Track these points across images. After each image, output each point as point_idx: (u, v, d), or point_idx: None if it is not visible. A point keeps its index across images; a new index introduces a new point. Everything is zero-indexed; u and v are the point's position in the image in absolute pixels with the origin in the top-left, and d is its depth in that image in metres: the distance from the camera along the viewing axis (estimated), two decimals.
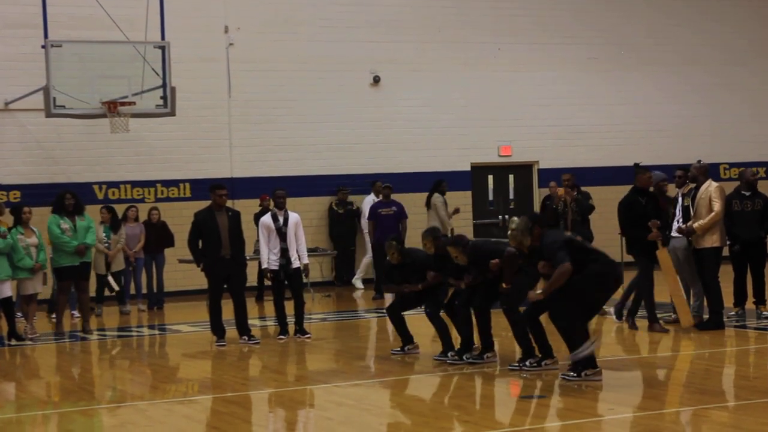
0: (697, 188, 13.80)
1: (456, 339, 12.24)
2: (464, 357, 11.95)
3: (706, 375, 11.42)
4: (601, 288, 10.59)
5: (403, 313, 12.75)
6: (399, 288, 12.65)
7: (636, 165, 14.07)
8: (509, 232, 11.08)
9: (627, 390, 10.27)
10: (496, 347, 12.15)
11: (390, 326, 15.72)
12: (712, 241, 13.62)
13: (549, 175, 22.08)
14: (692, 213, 13.75)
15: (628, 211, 13.78)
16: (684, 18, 24.64)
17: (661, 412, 9.47)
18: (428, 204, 20.08)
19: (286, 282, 14.48)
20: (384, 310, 17.70)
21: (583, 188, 17.50)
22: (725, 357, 12.49)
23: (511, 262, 11.22)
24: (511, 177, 23.33)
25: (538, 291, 10.47)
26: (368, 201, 20.65)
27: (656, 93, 24.39)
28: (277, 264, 14.34)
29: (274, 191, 14.78)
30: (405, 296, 12.70)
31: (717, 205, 13.55)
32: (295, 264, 14.44)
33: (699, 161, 14.12)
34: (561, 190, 16.31)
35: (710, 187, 13.68)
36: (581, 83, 23.79)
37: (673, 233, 14.31)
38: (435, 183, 20.42)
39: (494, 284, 11.62)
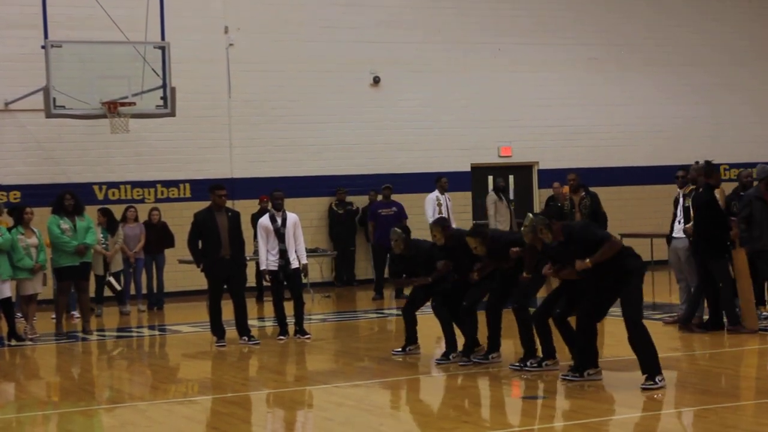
0: (697, 189, 13.79)
1: (460, 338, 12.20)
2: (469, 358, 11.91)
3: (707, 375, 11.41)
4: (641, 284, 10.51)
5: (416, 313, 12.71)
6: (408, 281, 12.58)
7: (707, 162, 13.86)
8: (522, 228, 11.07)
9: (628, 390, 10.26)
10: (500, 348, 12.11)
11: (391, 327, 15.72)
12: None
13: (549, 176, 22.07)
14: (692, 213, 13.73)
15: (707, 210, 13.46)
16: (684, 18, 24.64)
17: (662, 413, 9.46)
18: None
19: (285, 283, 14.48)
20: (383, 311, 17.73)
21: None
22: (726, 357, 12.48)
23: (532, 252, 11.19)
24: (511, 178, 23.32)
25: (587, 260, 10.26)
26: (431, 198, 20.27)
27: (657, 93, 24.38)
28: (276, 265, 14.33)
29: (272, 192, 14.77)
30: (415, 294, 12.63)
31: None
32: (294, 264, 14.43)
33: (697, 162, 14.10)
34: (566, 188, 16.16)
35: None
36: (581, 84, 23.78)
37: (675, 233, 14.31)
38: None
39: (507, 282, 11.58)
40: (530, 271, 11.28)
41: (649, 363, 10.22)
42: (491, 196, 20.39)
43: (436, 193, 20.12)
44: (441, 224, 12.05)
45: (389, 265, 13.58)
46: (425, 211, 19.91)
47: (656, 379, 10.14)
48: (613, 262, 10.17)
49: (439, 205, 19.92)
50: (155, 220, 18.83)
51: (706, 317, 13.97)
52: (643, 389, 10.07)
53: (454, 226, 19.26)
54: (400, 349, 12.79)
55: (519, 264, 11.46)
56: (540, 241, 11.01)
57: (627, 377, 10.81)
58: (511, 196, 23.34)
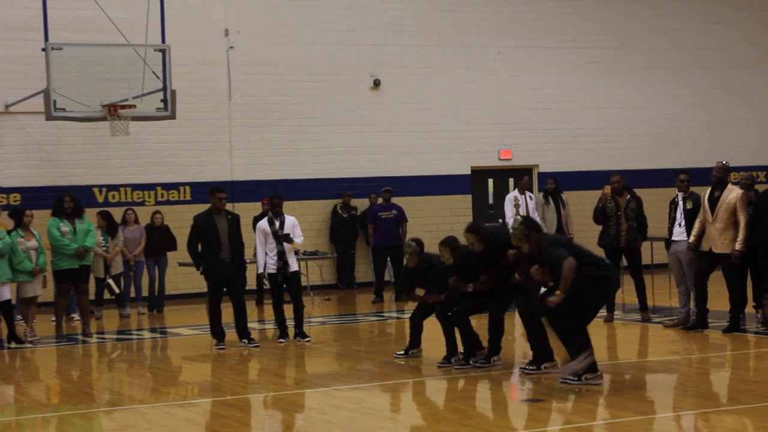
0: (720, 189, 13.69)
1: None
2: (470, 361, 11.92)
3: (706, 379, 11.42)
4: (602, 292, 10.60)
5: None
6: (423, 299, 12.55)
7: None
8: (511, 231, 11.09)
9: (627, 394, 10.27)
10: (501, 351, 12.12)
11: (391, 330, 15.73)
12: (734, 246, 13.53)
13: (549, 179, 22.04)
14: (711, 215, 13.62)
15: None
16: (685, 22, 24.64)
17: (660, 416, 9.47)
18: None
19: (284, 285, 14.48)
20: (383, 314, 17.74)
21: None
22: (725, 361, 12.49)
23: (527, 256, 11.22)
24: (511, 180, 23.31)
25: (557, 292, 10.37)
26: (510, 198, 19.68)
27: (656, 97, 24.38)
28: (275, 267, 14.34)
29: (272, 198, 14.75)
30: (425, 303, 12.63)
31: (744, 214, 13.47)
32: (293, 267, 14.44)
33: (722, 162, 13.96)
34: (607, 189, 15.72)
35: (733, 192, 13.60)
36: (581, 87, 23.79)
37: (674, 237, 14.29)
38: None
39: (509, 285, 11.59)
40: (522, 274, 11.31)
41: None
42: (539, 199, 19.87)
43: (515, 192, 19.61)
44: (449, 244, 11.95)
45: (401, 279, 13.50)
46: (504, 211, 19.64)
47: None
48: (581, 272, 10.30)
49: (517, 205, 19.35)
50: (158, 223, 18.83)
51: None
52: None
53: None
54: (402, 352, 12.80)
55: (517, 266, 11.47)
56: (531, 245, 11.05)
57: (626, 380, 10.83)
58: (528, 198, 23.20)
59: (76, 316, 17.17)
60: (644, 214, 15.46)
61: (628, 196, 15.44)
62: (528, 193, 19.56)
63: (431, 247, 12.64)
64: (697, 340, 13.44)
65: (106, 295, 18.09)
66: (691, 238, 13.93)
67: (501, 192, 23.19)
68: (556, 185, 19.35)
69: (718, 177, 13.75)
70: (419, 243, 12.48)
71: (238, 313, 14.30)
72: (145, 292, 18.82)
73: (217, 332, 14.30)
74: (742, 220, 13.45)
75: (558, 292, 10.31)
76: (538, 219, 18.63)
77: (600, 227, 15.65)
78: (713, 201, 13.67)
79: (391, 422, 9.90)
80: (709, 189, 13.89)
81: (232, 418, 10.02)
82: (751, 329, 14.12)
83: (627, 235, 15.18)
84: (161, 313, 18.65)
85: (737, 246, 13.44)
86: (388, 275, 20.25)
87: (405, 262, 12.56)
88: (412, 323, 12.75)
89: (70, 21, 19.30)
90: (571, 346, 10.40)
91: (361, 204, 21.76)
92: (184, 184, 20.91)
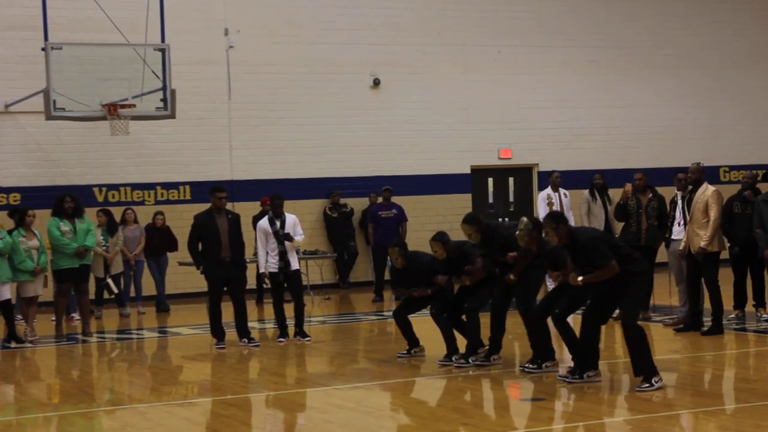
0: (695, 190, 13.69)
1: (461, 341, 12.19)
2: (470, 360, 11.93)
3: (706, 377, 11.43)
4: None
5: (408, 316, 12.75)
6: (409, 291, 12.62)
7: None
8: (517, 232, 11.11)
9: (627, 392, 10.27)
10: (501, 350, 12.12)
11: (391, 329, 15.73)
12: (711, 246, 13.52)
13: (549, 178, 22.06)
14: (688, 215, 13.64)
15: None
16: (684, 21, 24.64)
17: (660, 415, 9.47)
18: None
19: (285, 285, 14.49)
20: (383, 313, 17.73)
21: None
22: (725, 360, 12.50)
23: (526, 255, 11.25)
24: (511, 180, 23.33)
25: (579, 278, 10.30)
26: (542, 196, 19.34)
27: (656, 96, 24.38)
28: (276, 267, 14.34)
29: (272, 198, 14.75)
30: (410, 299, 12.67)
31: (714, 212, 13.45)
32: (294, 266, 14.45)
33: (697, 163, 13.97)
34: (628, 186, 15.55)
35: (707, 191, 13.59)
36: (581, 86, 23.78)
37: (674, 236, 14.27)
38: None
39: (507, 285, 11.62)
40: (517, 274, 11.35)
41: (644, 365, 10.24)
42: (584, 195, 18.98)
43: (548, 190, 19.31)
44: (441, 239, 12.04)
45: (390, 277, 13.59)
46: (537, 209, 19.41)
47: (652, 381, 10.16)
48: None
49: (550, 204, 18.97)
50: (159, 223, 18.82)
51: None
52: (639, 391, 10.08)
53: (571, 223, 18.06)
54: (405, 352, 12.80)
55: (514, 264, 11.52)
56: (535, 244, 11.06)
57: (627, 379, 10.83)
58: (511, 198, 23.30)
59: (76, 315, 17.17)
60: (667, 213, 15.25)
61: (651, 195, 15.30)
62: (562, 191, 19.30)
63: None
64: (696, 340, 13.43)
65: (106, 295, 18.09)
66: (681, 245, 13.90)
67: (501, 191, 23.23)
68: (603, 181, 18.91)
69: (693, 178, 13.69)
70: (401, 245, 12.62)
71: (239, 312, 14.30)
72: (146, 293, 18.82)
73: (217, 331, 14.30)
74: (712, 216, 13.41)
75: (580, 278, 10.24)
76: (571, 217, 18.31)
77: (617, 225, 15.58)
78: (690, 202, 13.67)
79: (391, 421, 9.91)
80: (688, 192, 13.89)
81: (233, 417, 10.03)
82: (751, 328, 14.15)
83: (647, 233, 15.07)
84: (167, 313, 18.62)
85: (702, 243, 13.40)
86: (388, 274, 20.24)
87: (391, 264, 12.64)
88: (397, 320, 12.78)
89: (70, 20, 19.30)
90: (641, 365, 10.35)
91: (360, 203, 21.76)
92: (184, 184, 20.91)
